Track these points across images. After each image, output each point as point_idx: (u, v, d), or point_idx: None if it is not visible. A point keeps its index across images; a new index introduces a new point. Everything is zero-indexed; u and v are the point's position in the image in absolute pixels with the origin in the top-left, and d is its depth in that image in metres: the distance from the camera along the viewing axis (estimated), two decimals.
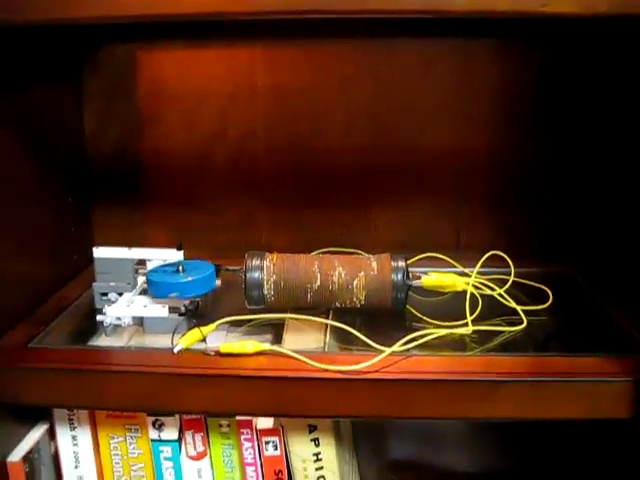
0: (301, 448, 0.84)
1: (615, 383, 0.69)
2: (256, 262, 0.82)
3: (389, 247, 0.86)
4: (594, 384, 0.69)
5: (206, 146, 1.00)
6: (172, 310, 0.81)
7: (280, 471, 0.84)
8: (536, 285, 0.91)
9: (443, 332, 0.77)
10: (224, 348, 0.74)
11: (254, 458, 0.84)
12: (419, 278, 0.84)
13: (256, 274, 0.82)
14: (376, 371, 0.70)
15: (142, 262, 0.88)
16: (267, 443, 0.83)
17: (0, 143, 0.81)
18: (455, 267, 0.94)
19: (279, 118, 0.99)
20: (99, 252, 0.85)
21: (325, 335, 0.81)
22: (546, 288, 0.89)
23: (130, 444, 0.85)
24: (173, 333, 0.76)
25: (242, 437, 0.83)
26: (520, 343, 0.78)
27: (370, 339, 0.75)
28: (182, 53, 0.98)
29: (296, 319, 0.82)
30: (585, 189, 0.97)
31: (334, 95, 0.97)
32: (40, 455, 0.83)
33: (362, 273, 0.81)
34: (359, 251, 0.96)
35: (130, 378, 0.72)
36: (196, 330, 0.76)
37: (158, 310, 0.80)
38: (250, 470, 0.84)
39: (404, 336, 0.74)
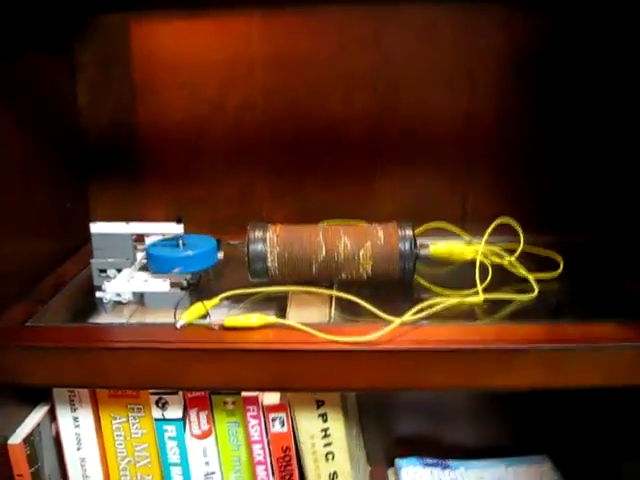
0: (309, 424, 0.82)
1: (632, 349, 0.67)
2: (259, 234, 0.80)
3: (394, 218, 0.84)
4: (610, 351, 0.67)
5: (204, 117, 0.97)
6: (173, 285, 0.79)
7: (287, 448, 0.82)
8: (546, 253, 0.88)
9: (454, 301, 0.75)
10: (228, 322, 0.71)
11: (261, 435, 0.82)
12: (427, 247, 0.82)
13: (259, 246, 0.79)
14: (387, 341, 0.68)
15: (141, 238, 0.86)
16: (274, 420, 0.81)
17: None
18: (462, 237, 0.91)
19: (278, 87, 0.96)
20: (96, 227, 0.83)
21: (330, 308, 0.78)
22: (556, 256, 0.87)
23: (133, 424, 0.83)
24: (175, 308, 0.74)
25: (248, 414, 0.81)
26: (532, 312, 0.76)
27: (379, 310, 0.73)
28: (177, 22, 0.94)
29: (301, 292, 0.80)
30: (594, 156, 0.95)
31: (334, 62, 0.94)
32: (41, 437, 0.81)
33: (368, 243, 0.79)
34: (363, 222, 0.93)
35: (132, 355, 0.70)
36: (199, 305, 0.74)
37: (159, 285, 0.78)
38: (257, 448, 0.82)
39: (413, 307, 0.72)
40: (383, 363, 0.67)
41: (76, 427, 0.83)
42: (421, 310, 0.72)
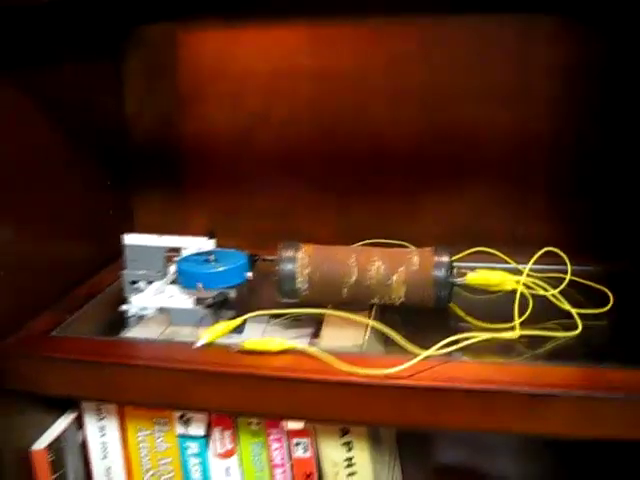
0: (332, 452, 0.79)
1: None
2: (289, 253, 0.77)
3: (438, 239, 0.80)
4: None
5: (248, 128, 0.96)
6: (200, 302, 0.77)
7: (310, 473, 0.79)
8: (596, 286, 0.82)
9: (486, 336, 0.71)
10: (248, 345, 0.69)
11: (283, 459, 0.79)
12: (464, 275, 0.77)
13: (289, 266, 0.77)
14: (409, 376, 0.64)
15: (177, 250, 0.85)
16: (297, 444, 0.78)
17: (35, 121, 0.79)
18: (508, 263, 0.86)
19: (323, 100, 0.93)
20: (130, 239, 0.83)
21: (365, 332, 0.75)
22: (607, 289, 0.81)
23: (158, 438, 0.82)
24: (197, 326, 0.73)
25: (271, 437, 0.79)
26: (573, 351, 0.70)
27: (410, 339, 0.69)
28: (224, 32, 0.93)
29: (331, 315, 0.77)
30: None
31: (381, 76, 0.91)
32: (67, 444, 0.81)
33: (402, 268, 0.75)
34: (405, 243, 0.90)
35: (149, 373, 0.68)
36: (222, 324, 0.72)
37: (183, 301, 0.76)
38: (279, 472, 0.80)
39: (444, 338, 0.68)
40: (402, 399, 0.64)
41: (102, 436, 0.83)
42: (450, 344, 0.68)
